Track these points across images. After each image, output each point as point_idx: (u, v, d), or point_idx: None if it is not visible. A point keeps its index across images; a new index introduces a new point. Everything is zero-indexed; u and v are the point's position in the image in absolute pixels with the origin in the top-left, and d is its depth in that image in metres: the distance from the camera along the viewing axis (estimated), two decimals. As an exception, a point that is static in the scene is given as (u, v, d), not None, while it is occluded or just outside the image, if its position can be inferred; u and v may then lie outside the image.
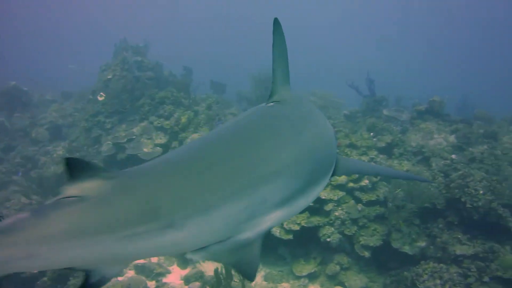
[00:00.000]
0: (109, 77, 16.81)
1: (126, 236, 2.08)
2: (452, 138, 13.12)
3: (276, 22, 3.56)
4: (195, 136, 12.95)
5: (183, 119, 14.05)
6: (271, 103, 3.54)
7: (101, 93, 16.20)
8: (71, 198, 2.07)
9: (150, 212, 2.14)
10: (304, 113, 3.67)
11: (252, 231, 2.56)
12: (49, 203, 2.08)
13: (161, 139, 13.74)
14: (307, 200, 3.13)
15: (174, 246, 2.36)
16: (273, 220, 2.71)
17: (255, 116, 3.42)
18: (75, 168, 2.10)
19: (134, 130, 14.19)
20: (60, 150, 15.64)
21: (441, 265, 8.92)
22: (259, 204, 2.58)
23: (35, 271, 9.32)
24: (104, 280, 2.22)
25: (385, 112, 15.74)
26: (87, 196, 2.07)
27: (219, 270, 9.06)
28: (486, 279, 8.86)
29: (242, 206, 2.47)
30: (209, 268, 10.03)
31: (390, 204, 9.88)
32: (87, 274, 2.19)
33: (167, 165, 2.57)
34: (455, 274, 8.66)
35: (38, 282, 9.12)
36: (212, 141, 2.93)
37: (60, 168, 14.02)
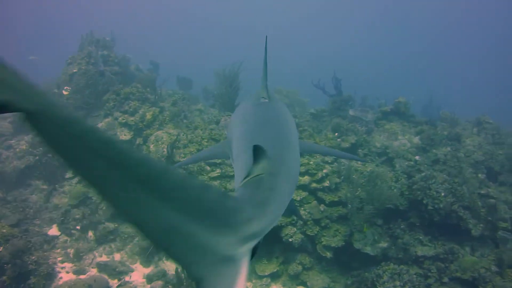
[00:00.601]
0: (74, 70, 16.43)
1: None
2: (416, 140, 13.26)
3: (266, 39, 4.47)
4: (160, 133, 12.79)
5: (148, 116, 13.89)
6: (266, 100, 4.39)
7: (66, 87, 15.88)
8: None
9: None
10: (284, 107, 4.77)
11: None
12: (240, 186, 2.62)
13: (126, 135, 13.53)
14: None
15: None
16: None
17: (269, 110, 4.31)
18: None
19: (99, 125, 13.93)
20: (23, 145, 15.23)
21: (402, 266, 9.02)
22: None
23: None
24: (258, 246, 2.49)
25: (351, 112, 15.74)
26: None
27: (180, 270, 8.98)
28: (445, 279, 9.04)
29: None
30: (171, 267, 9.93)
31: (350, 205, 9.89)
32: None
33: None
34: (414, 276, 8.75)
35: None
36: (271, 131, 3.81)
37: (22, 163, 13.68)
